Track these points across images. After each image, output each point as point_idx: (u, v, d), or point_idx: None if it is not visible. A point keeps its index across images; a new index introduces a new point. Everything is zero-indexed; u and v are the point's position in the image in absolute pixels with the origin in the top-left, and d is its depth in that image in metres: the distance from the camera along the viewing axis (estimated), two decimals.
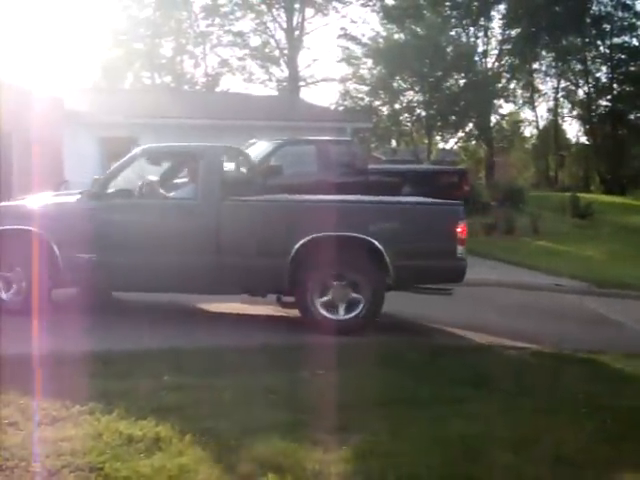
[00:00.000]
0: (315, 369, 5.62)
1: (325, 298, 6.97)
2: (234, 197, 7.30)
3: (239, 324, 7.67)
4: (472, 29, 37.66)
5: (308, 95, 37.19)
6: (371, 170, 13.80)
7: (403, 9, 33.90)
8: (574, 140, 45.87)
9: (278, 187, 10.77)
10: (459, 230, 6.89)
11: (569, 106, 43.13)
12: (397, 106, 32.30)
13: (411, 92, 31.72)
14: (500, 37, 38.32)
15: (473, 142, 39.54)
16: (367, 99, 34.67)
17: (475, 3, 36.86)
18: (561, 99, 42.97)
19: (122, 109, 17.82)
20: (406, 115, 31.72)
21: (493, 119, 36.27)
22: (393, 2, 35.27)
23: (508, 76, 36.68)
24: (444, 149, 37.86)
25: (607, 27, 38.91)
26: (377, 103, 35.04)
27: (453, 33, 35.67)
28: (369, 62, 36.46)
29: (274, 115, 20.30)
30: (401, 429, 4.42)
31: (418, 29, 31.61)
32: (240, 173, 8.69)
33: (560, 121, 44.40)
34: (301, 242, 6.88)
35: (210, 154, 7.57)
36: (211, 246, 7.09)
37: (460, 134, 35.88)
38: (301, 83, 37.88)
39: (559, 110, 43.37)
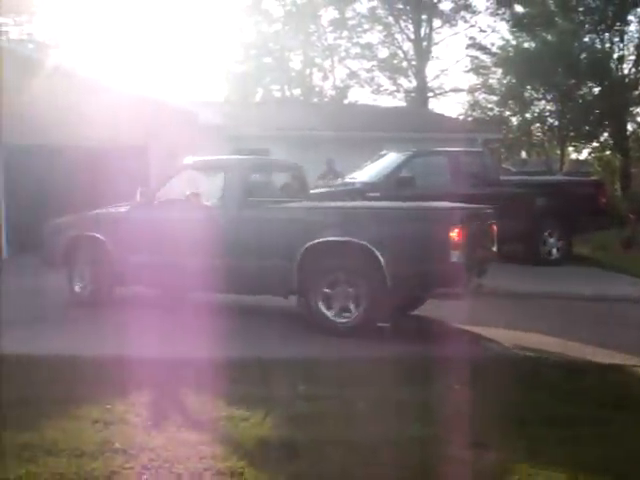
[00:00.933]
0: (449, 383, 5.53)
1: (329, 301, 7.36)
2: (252, 204, 7.95)
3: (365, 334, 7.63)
4: (607, 34, 36.04)
5: (436, 106, 36.83)
6: (503, 182, 13.45)
7: (533, 16, 32.89)
8: None
9: (410, 199, 10.77)
10: (453, 234, 6.87)
11: None
12: (528, 116, 31.41)
13: (542, 101, 30.77)
14: (638, 41, 36.58)
15: (608, 152, 37.87)
16: (496, 109, 33.95)
17: (611, 8, 35.37)
18: None
19: (254, 122, 18.28)
20: (537, 125, 30.74)
21: (630, 127, 34.61)
22: (523, 10, 34.34)
23: None
24: (577, 160, 36.51)
25: None
26: (507, 113, 34.29)
27: (587, 39, 34.37)
28: (498, 72, 35.78)
29: (403, 126, 20.25)
30: (540, 449, 4.26)
31: (549, 37, 30.73)
32: (266, 182, 9.21)
33: None
34: (306, 246, 7.35)
35: (236, 166, 8.42)
36: (233, 249, 7.77)
37: (594, 144, 34.49)
38: (429, 94, 37.60)
39: None
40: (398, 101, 38.68)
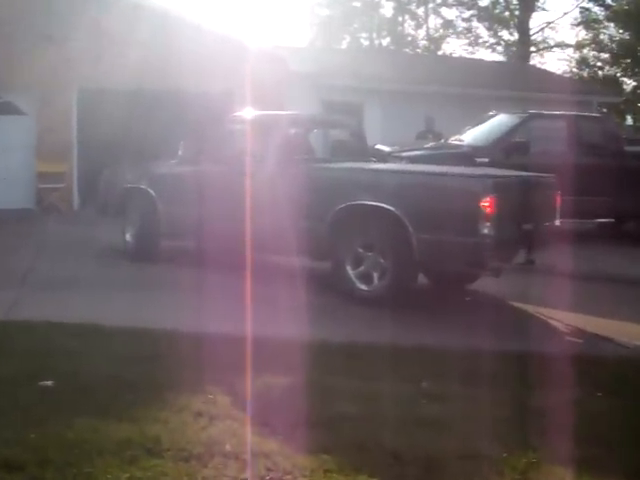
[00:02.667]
0: (591, 389, 5.02)
1: (356, 267, 7.37)
2: (291, 162, 7.92)
3: (494, 324, 7.20)
4: None
5: (539, 62, 35.17)
6: (627, 153, 12.62)
7: None
8: None
9: (523, 166, 10.17)
10: (484, 205, 6.62)
11: None
12: None
13: None
14: None
15: None
16: (607, 68, 32.42)
17: None
18: None
19: (347, 72, 17.72)
20: None
21: None
22: None
23: None
24: None
25: None
26: (619, 74, 32.71)
27: None
28: (611, 26, 34.16)
29: (509, 84, 19.41)
30: None
31: None
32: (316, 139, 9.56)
33: None
34: (336, 209, 7.35)
35: (279, 122, 8.53)
36: (272, 208, 7.75)
37: None
38: (532, 49, 36.13)
39: None
40: (497, 55, 37.36)
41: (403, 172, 7.82)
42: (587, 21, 34.60)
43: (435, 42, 37.35)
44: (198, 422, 3.93)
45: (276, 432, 3.87)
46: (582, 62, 34.10)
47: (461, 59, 29.45)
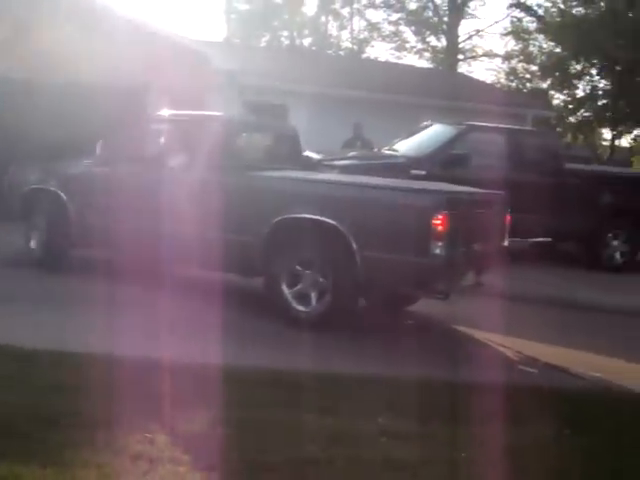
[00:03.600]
0: (557, 426, 4.95)
1: (292, 286, 7.16)
2: (221, 168, 7.72)
3: (441, 351, 7.14)
4: None
5: (466, 70, 35.73)
6: (567, 171, 12.84)
7: None
8: None
9: (461, 180, 10.21)
10: (436, 223, 6.54)
11: None
12: (580, 93, 30.64)
13: (589, 77, 30.02)
14: None
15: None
16: (536, 81, 33.27)
17: None
18: None
19: (271, 72, 17.48)
20: (588, 104, 29.96)
21: None
22: None
23: None
24: (631, 147, 35.64)
25: None
26: (546, 86, 33.58)
27: None
28: (540, 38, 35.08)
29: (437, 92, 19.54)
30: None
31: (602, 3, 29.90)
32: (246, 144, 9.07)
33: None
34: (271, 222, 7.16)
35: (210, 124, 8.25)
36: (194, 218, 7.61)
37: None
38: (460, 57, 36.78)
39: None
40: (424, 61, 37.87)
41: (349, 184, 7.60)
42: (517, 31, 35.43)
43: (360, 44, 37.53)
44: (137, 466, 3.62)
45: (225, 478, 3.61)
46: (511, 73, 34.87)
47: (390, 64, 29.65)
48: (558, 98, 32.13)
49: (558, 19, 30.74)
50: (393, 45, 37.79)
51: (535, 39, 35.27)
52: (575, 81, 30.92)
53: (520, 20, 35.34)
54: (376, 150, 13.64)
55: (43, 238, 8.84)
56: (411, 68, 27.49)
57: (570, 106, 30.63)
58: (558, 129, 28.93)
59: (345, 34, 38.68)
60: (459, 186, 7.74)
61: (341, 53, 36.59)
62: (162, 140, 8.63)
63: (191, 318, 7.10)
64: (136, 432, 4.01)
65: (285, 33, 37.37)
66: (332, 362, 6.08)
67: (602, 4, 29.24)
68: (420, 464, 4.10)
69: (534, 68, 35.68)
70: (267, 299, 7.52)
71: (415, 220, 6.79)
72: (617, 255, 12.96)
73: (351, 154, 12.92)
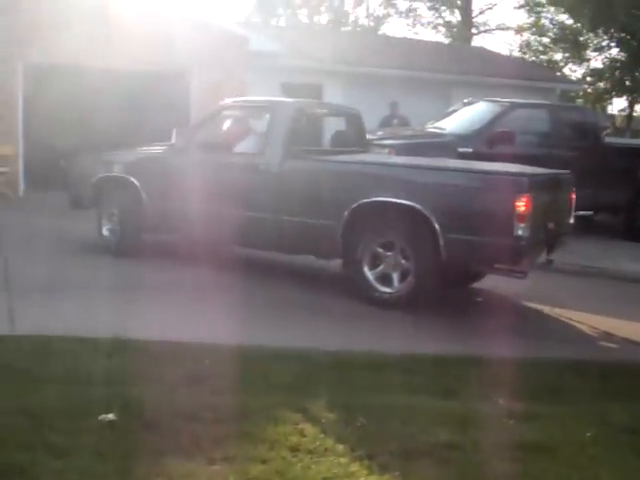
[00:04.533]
0: None
1: (376, 268, 7.12)
2: (297, 156, 7.64)
3: (523, 329, 7.08)
4: None
5: (480, 44, 35.36)
6: (606, 145, 12.76)
7: None
8: None
9: (507, 157, 10.13)
10: (519, 205, 6.46)
11: None
12: (595, 64, 30.32)
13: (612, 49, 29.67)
14: None
15: None
16: (550, 53, 32.91)
17: None
18: None
19: (306, 53, 17.28)
20: (606, 75, 29.65)
21: None
22: None
23: None
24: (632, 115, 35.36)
25: None
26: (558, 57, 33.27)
27: None
28: (552, 10, 34.61)
29: (468, 68, 19.37)
30: None
31: None
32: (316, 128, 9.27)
33: None
34: (353, 206, 7.07)
35: (281, 110, 8.00)
36: (271, 204, 7.57)
37: None
38: (473, 31, 36.41)
39: None
40: (440, 36, 37.49)
41: (432, 168, 7.50)
42: (530, 4, 35.01)
43: (376, 21, 37.17)
44: (300, 459, 3.60)
45: (386, 467, 3.60)
46: (525, 46, 34.52)
47: (416, 41, 29.12)
48: (574, 70, 31.79)
49: None
50: (408, 21, 37.39)
51: (548, 11, 34.76)
52: (591, 53, 30.61)
53: None
54: (418, 127, 13.50)
55: (117, 225, 8.79)
56: (438, 45, 27.03)
57: (588, 78, 30.32)
58: (579, 100, 28.76)
59: (361, 11, 38.30)
60: (533, 167, 7.63)
61: (358, 29, 36.23)
62: (236, 127, 8.52)
63: (277, 302, 7.10)
64: (282, 424, 3.97)
65: (305, 11, 37.02)
66: (428, 344, 6.07)
67: None
68: (555, 445, 4.07)
69: (546, 40, 35.25)
70: (345, 281, 7.49)
71: (499, 202, 6.71)
72: None
73: (402, 133, 12.80)
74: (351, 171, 7.57)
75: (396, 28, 41.65)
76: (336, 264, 7.85)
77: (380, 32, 36.29)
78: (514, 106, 12.47)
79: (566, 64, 32.76)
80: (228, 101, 8.85)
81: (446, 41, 35.96)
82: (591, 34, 29.00)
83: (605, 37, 28.58)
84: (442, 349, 5.84)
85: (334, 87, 16.87)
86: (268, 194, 7.68)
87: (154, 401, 4.14)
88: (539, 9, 35.26)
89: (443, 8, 36.31)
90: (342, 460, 3.61)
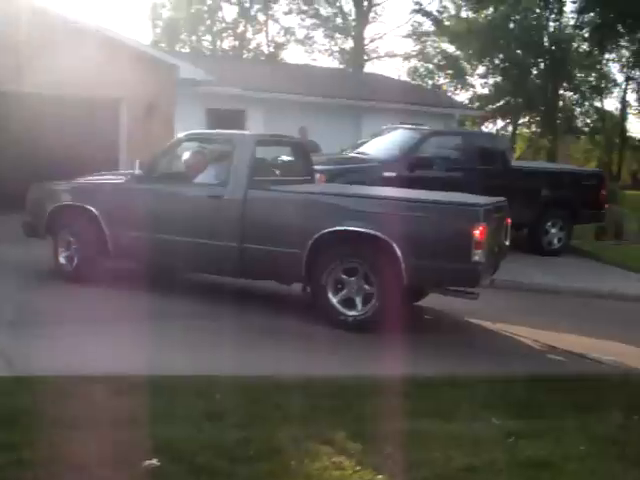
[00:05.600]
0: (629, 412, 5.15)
1: (340, 292, 7.14)
2: (260, 186, 7.64)
3: (474, 346, 7.26)
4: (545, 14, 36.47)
5: (371, 70, 36.15)
6: (514, 169, 13.25)
7: None
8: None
9: (425, 181, 10.46)
10: (476, 233, 6.72)
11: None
12: (483, 90, 31.42)
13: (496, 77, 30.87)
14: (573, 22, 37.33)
15: (535, 129, 38.63)
16: (437, 79, 33.91)
17: None
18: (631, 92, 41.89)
19: (230, 80, 17.14)
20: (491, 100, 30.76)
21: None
22: None
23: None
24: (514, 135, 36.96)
25: None
26: (442, 81, 34.29)
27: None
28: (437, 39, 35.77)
29: (384, 96, 19.60)
30: None
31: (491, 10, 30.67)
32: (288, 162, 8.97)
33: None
34: (316, 235, 7.09)
35: (242, 142, 7.90)
36: (235, 232, 7.51)
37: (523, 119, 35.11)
38: (365, 57, 37.01)
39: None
40: (333, 61, 37.96)
41: (396, 199, 7.59)
42: (418, 35, 35.97)
43: (276, 48, 37.27)
44: None
45: None
46: (414, 72, 35.40)
47: (332, 70, 29.44)
48: (458, 94, 32.85)
49: (457, 24, 31.35)
50: (304, 48, 37.71)
51: (434, 41, 35.82)
52: (475, 79, 31.76)
53: (420, 24, 35.85)
54: (346, 153, 13.60)
55: (74, 253, 8.42)
56: (345, 72, 27.18)
57: (477, 103, 31.41)
58: (467, 123, 29.72)
59: (260, 38, 38.30)
60: (481, 196, 7.82)
61: (261, 57, 36.23)
62: (197, 158, 8.36)
63: (249, 328, 6.98)
64: (317, 459, 3.93)
65: (208, 37, 36.68)
66: (400, 365, 6.08)
67: (501, 9, 29.97)
68: (559, 461, 4.19)
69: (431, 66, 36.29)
70: (306, 305, 7.49)
71: (457, 231, 6.89)
72: (555, 240, 13.49)
73: (326, 158, 12.85)
74: (315, 201, 7.58)
75: (293, 54, 42.05)
76: (296, 288, 7.81)
77: (279, 58, 36.42)
78: (431, 133, 12.80)
79: (456, 89, 33.74)
80: (189, 133, 8.66)
81: (340, 67, 36.40)
82: (475, 62, 30.04)
83: (490, 66, 29.70)
84: (414, 370, 5.87)
85: (256, 113, 16.81)
86: (232, 223, 7.58)
87: (186, 440, 4.01)
88: (425, 38, 36.25)
89: (338, 36, 36.82)
90: None
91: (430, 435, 4.44)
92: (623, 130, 42.09)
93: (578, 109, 35.91)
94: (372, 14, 35.78)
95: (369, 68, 37.44)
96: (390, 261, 6.91)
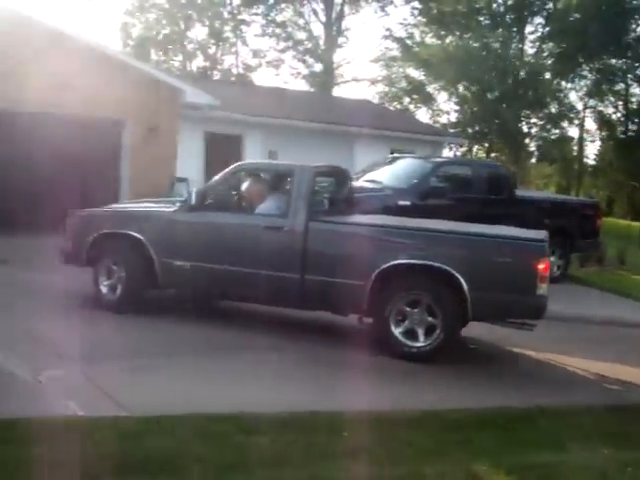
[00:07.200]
0: None
1: (402, 324, 7.28)
2: (320, 217, 7.76)
3: (530, 377, 7.48)
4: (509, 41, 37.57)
5: (338, 93, 36.69)
6: (517, 198, 13.63)
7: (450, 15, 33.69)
8: (594, 162, 46.21)
9: (437, 210, 10.73)
10: (541, 267, 6.99)
11: (594, 127, 43.58)
12: (458, 116, 32.11)
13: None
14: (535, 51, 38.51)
15: (496, 154, 39.62)
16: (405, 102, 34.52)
17: (510, 15, 36.87)
18: (590, 118, 43.37)
19: (229, 104, 17.22)
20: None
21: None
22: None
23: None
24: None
25: None
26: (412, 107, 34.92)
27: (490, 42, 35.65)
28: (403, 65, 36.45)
29: (373, 122, 19.89)
30: None
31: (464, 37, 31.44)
32: (337, 193, 8.99)
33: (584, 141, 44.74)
34: (381, 268, 7.20)
35: (302, 173, 7.88)
36: (295, 263, 7.55)
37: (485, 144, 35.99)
38: (337, 80, 37.49)
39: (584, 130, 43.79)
40: (301, 84, 38.34)
41: (462, 234, 7.70)
42: (387, 60, 36.59)
43: (246, 70, 37.46)
44: None
45: None
46: (385, 96, 35.97)
47: (330, 97, 29.53)
48: (438, 122, 33.50)
49: (428, 51, 32.02)
50: (275, 70, 38.06)
51: (401, 66, 36.47)
52: (447, 103, 32.43)
53: (390, 49, 36.50)
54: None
55: (118, 282, 8.34)
56: (346, 100, 27.07)
57: (458, 129, 32.10)
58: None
59: (230, 60, 38.46)
60: (540, 231, 8.03)
61: (233, 79, 36.33)
62: (254, 188, 8.41)
63: (318, 360, 7.06)
64: None
65: (178, 58, 36.66)
66: (477, 395, 6.33)
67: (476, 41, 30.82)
68: None
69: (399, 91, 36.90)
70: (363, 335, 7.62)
71: (523, 265, 7.14)
72: (554, 268, 13.86)
73: None
74: (380, 234, 7.70)
75: (263, 77, 42.39)
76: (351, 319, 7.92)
77: (249, 80, 36.60)
78: (443, 163, 13.11)
79: (435, 115, 34.33)
80: (244, 163, 8.72)
81: (311, 90, 36.77)
82: (450, 89, 30.73)
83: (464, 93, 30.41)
84: (494, 401, 6.11)
85: (254, 137, 16.92)
86: (292, 254, 7.64)
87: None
88: (393, 64, 36.88)
89: (310, 60, 37.22)
90: None
91: (556, 467, 4.63)
92: (581, 156, 43.55)
93: (545, 134, 36.89)
94: (342, 38, 36.30)
95: (337, 92, 37.98)
96: (456, 294, 7.11)
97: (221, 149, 16.55)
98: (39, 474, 3.89)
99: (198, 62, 37.12)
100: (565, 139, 40.01)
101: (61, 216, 9.17)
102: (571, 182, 43.98)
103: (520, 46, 36.76)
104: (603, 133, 42.84)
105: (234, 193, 8.55)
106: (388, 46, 36.42)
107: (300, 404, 5.46)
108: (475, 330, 8.01)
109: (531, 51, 38.17)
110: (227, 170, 8.36)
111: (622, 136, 40.66)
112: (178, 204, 8.42)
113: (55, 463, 4.00)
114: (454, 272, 7.08)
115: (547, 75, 35.63)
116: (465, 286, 7.05)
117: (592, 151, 51.63)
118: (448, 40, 33.50)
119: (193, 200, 8.03)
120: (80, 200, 11.25)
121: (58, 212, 12.55)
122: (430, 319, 7.25)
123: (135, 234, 8.25)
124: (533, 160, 41.65)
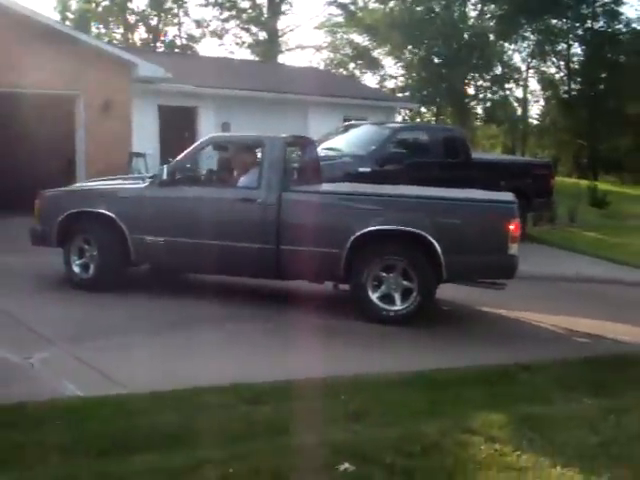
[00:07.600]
0: None
1: (379, 289, 7.44)
2: (292, 188, 7.85)
3: (502, 334, 7.72)
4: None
5: (284, 61, 36.56)
6: (475, 161, 13.87)
7: None
8: (538, 122, 46.99)
9: (394, 175, 10.88)
10: (511, 227, 7.25)
11: (538, 87, 44.27)
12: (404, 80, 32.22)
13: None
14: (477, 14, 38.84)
15: (443, 117, 40.00)
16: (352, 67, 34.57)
17: None
18: (533, 79, 44.05)
19: (183, 77, 17.02)
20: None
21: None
22: None
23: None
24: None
25: (587, 11, 39.75)
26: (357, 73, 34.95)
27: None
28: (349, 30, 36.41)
29: (325, 90, 19.86)
30: None
31: None
32: (304, 162, 9.10)
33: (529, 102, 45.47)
34: (356, 235, 7.34)
35: (272, 144, 7.95)
36: (270, 234, 7.64)
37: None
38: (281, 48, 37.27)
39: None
40: (249, 54, 38.00)
41: (434, 198, 7.91)
42: (331, 26, 36.47)
43: (189, 41, 36.96)
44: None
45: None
46: (330, 63, 35.90)
47: (282, 66, 29.13)
48: (385, 87, 33.58)
49: (373, 16, 32.02)
50: (219, 40, 37.58)
51: (346, 32, 36.40)
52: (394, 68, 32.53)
53: (335, 15, 36.38)
54: None
55: (90, 260, 8.32)
56: (300, 69, 26.70)
57: (406, 93, 32.24)
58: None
59: (173, 30, 37.87)
60: (507, 193, 8.25)
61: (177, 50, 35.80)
62: (229, 162, 8.43)
63: (306, 327, 7.17)
64: (475, 445, 4.26)
65: (121, 30, 35.92)
66: (453, 356, 6.55)
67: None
68: None
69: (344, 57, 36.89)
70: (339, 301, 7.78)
71: (494, 227, 7.37)
72: None
73: None
74: (354, 201, 7.82)
75: (207, 47, 41.84)
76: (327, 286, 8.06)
77: (193, 50, 36.14)
78: (399, 129, 13.25)
79: (382, 80, 34.36)
80: (213, 136, 8.70)
81: (255, 59, 36.48)
82: (397, 54, 30.84)
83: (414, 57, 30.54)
84: (472, 360, 6.29)
85: (207, 110, 16.80)
86: (266, 226, 7.72)
87: (362, 442, 4.23)
88: (338, 30, 36.79)
89: (254, 29, 36.84)
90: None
91: (547, 418, 4.84)
92: (525, 117, 44.21)
93: (490, 95, 37.41)
94: (285, 6, 36.03)
95: (281, 60, 37.77)
96: (430, 257, 7.30)
97: (175, 122, 16.41)
98: (51, 456, 3.93)
99: (140, 34, 36.49)
100: (510, 101, 40.61)
101: (17, 197, 9.04)
102: (516, 143, 44.64)
103: (463, 9, 37.11)
104: (546, 93, 43.60)
105: (205, 167, 8.54)
106: (332, 12, 36.40)
107: (292, 372, 5.58)
108: (448, 292, 8.22)
109: (473, 14, 38.65)
110: (196, 144, 8.38)
111: (565, 95, 41.41)
112: (148, 180, 8.40)
113: (64, 445, 4.06)
114: (428, 236, 7.27)
115: (491, 37, 36.05)
116: (439, 249, 7.25)
117: (536, 111, 52.07)
118: (391, 4, 33.65)
119: (164, 175, 8.03)
120: (36, 179, 11.13)
121: (13, 192, 12.50)
122: (406, 283, 7.44)
123: (106, 212, 8.23)
124: (478, 122, 42.02)
